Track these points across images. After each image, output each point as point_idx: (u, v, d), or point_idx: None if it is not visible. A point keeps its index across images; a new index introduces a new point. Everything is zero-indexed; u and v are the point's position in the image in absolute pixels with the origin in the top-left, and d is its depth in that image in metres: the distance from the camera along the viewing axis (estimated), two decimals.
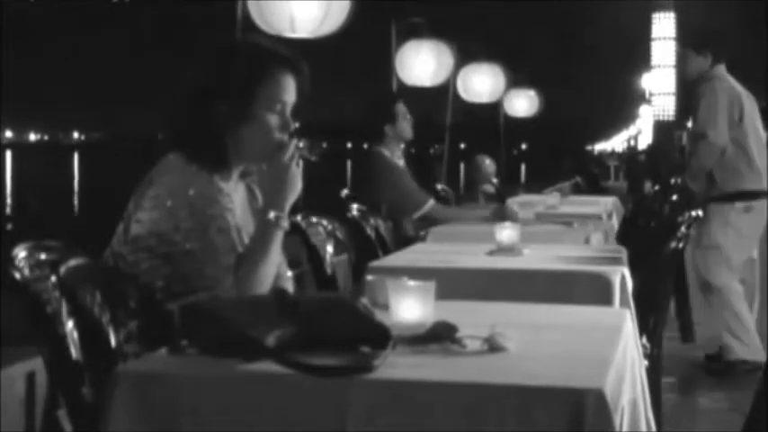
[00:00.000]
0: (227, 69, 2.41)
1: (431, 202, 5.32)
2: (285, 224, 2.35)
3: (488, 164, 8.14)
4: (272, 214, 2.32)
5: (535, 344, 1.98)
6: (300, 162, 2.36)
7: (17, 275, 2.05)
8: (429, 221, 5.20)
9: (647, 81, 49.82)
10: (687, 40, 5.62)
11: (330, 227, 3.79)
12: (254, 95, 2.37)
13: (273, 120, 2.38)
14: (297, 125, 2.39)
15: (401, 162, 5.36)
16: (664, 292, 3.63)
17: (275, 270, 2.36)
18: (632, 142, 75.22)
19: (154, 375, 1.80)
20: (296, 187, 2.35)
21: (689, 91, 5.61)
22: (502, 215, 4.76)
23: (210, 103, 2.36)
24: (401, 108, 5.34)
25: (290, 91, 2.41)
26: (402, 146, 5.43)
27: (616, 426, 1.64)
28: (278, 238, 2.34)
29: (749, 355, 5.15)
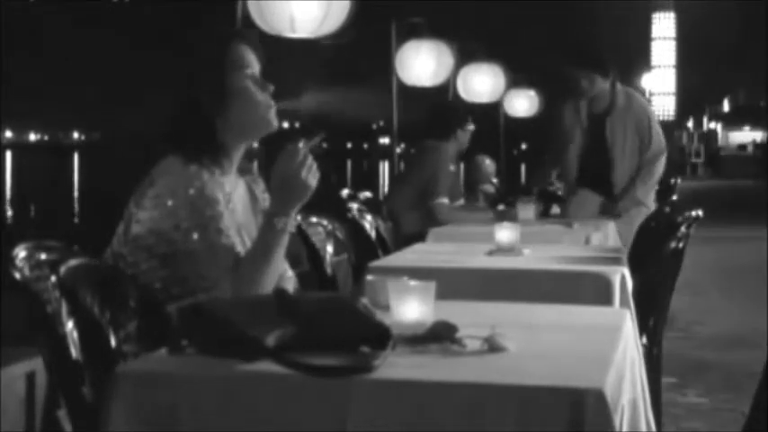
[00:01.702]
0: (196, 59, 2.47)
1: (445, 200, 5.42)
2: (291, 228, 2.34)
3: (488, 164, 8.15)
4: (277, 219, 2.31)
5: (535, 344, 1.98)
6: (314, 166, 2.33)
7: (17, 275, 2.05)
8: (432, 221, 5.23)
9: (647, 81, 49.89)
10: (587, 65, 5.73)
11: (330, 227, 3.79)
12: (226, 71, 2.42)
13: (251, 87, 2.44)
14: (323, 135, 2.38)
15: (452, 167, 5.71)
16: (664, 292, 3.63)
17: (277, 276, 2.36)
18: None
19: (154, 375, 1.80)
20: (304, 194, 2.32)
21: (599, 119, 5.73)
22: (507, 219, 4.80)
23: (191, 95, 2.39)
24: (469, 119, 5.86)
25: (253, 60, 2.47)
26: (457, 154, 5.88)
27: (616, 426, 1.64)
28: (282, 243, 2.33)
29: None
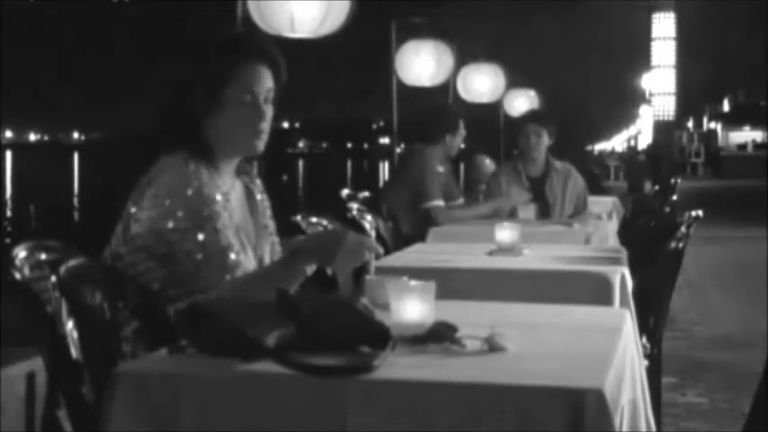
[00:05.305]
0: (197, 61, 2.42)
1: (440, 202, 5.42)
2: (308, 273, 2.33)
3: (488, 164, 8.16)
4: (302, 262, 2.29)
5: (535, 344, 1.98)
6: (363, 254, 2.30)
7: (17, 275, 2.05)
8: (431, 221, 5.24)
9: (647, 81, 49.82)
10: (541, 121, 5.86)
11: (330, 227, 3.79)
12: (223, 85, 2.36)
13: (242, 110, 2.38)
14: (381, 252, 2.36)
15: (440, 168, 5.61)
16: (664, 292, 3.63)
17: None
18: (632, 142, 75.20)
19: (154, 375, 1.80)
20: (337, 258, 2.29)
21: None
22: (502, 210, 4.82)
23: (185, 95, 2.37)
24: (462, 125, 5.78)
25: (259, 81, 2.39)
26: (445, 158, 5.77)
27: (616, 426, 1.64)
28: (290, 282, 2.28)
29: None
